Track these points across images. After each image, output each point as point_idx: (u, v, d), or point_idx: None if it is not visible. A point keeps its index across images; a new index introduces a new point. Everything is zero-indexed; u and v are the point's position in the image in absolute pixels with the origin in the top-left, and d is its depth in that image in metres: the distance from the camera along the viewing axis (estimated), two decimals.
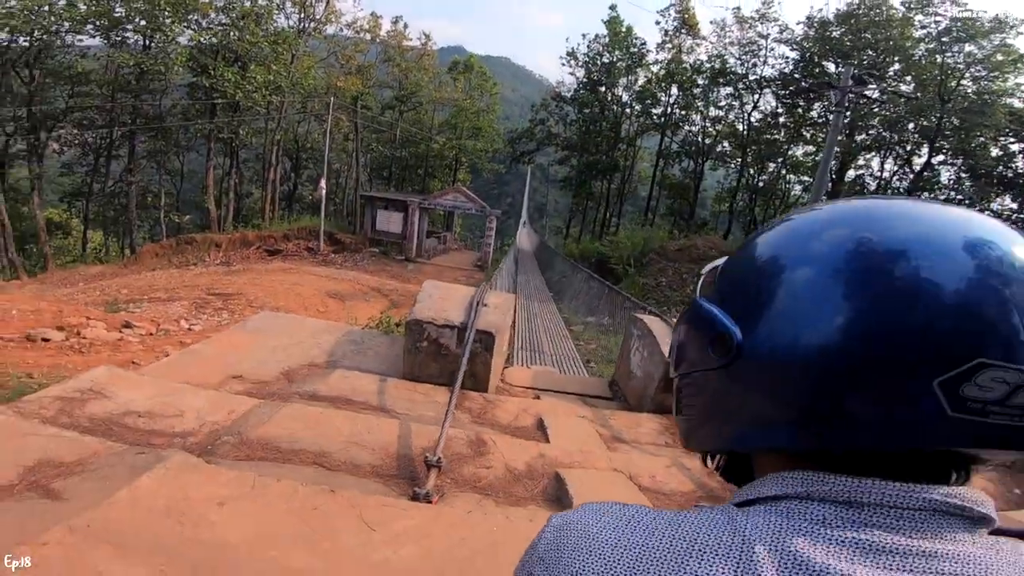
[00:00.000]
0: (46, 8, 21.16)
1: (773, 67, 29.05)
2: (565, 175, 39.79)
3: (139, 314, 11.84)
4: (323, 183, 24.14)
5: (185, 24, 24.24)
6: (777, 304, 0.44)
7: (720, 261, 0.59)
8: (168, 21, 23.11)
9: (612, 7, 34.88)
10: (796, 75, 27.09)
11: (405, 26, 35.73)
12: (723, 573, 0.37)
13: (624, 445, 3.72)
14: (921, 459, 0.41)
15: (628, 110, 35.91)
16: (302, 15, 29.03)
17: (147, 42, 23.68)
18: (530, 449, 3.26)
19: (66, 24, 22.17)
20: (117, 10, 22.36)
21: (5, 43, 21.61)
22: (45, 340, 7.48)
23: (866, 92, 18.88)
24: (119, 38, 23.67)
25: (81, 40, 24.19)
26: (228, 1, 25.10)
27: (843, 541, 0.38)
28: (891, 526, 0.39)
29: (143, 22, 22.93)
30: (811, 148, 27.94)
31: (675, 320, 4.87)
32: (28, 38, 21.86)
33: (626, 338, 5.28)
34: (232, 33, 24.62)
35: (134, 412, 3.05)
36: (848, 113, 19.52)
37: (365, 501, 2.33)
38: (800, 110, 27.85)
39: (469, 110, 36.93)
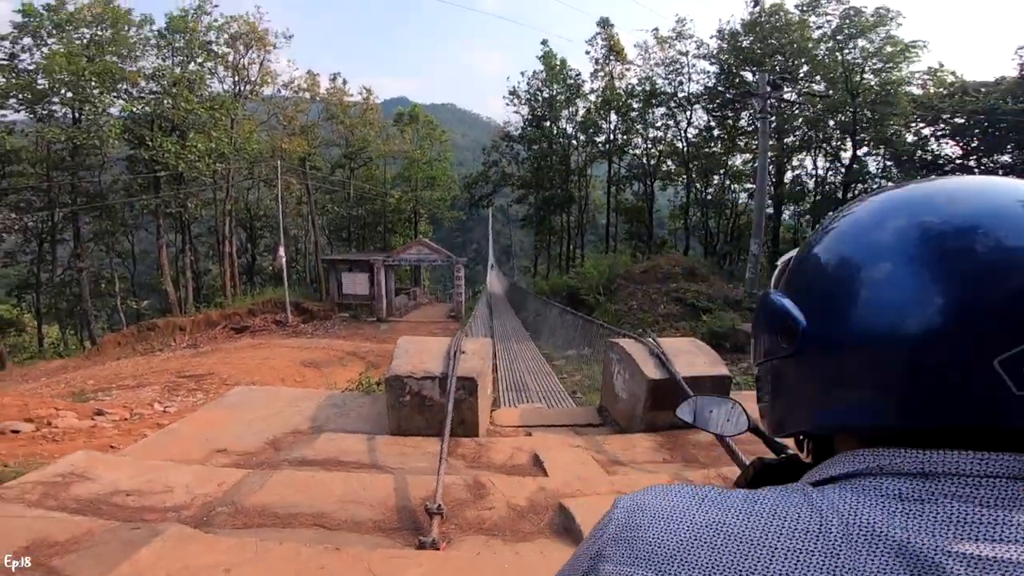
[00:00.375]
0: None
1: (698, 83, 30.75)
2: (525, 213, 40.39)
3: (110, 401, 11.38)
4: (281, 251, 23.92)
5: (115, 94, 23.96)
6: (844, 292, 0.45)
7: (791, 254, 0.62)
8: (96, 92, 22.70)
9: (543, 42, 36.96)
10: (720, 87, 28.70)
11: (344, 82, 36.11)
12: (803, 549, 0.37)
13: (622, 467, 3.75)
14: (997, 437, 0.40)
15: (574, 141, 36.99)
16: (236, 78, 29.14)
17: (76, 115, 23.14)
18: (529, 485, 3.25)
19: None
20: (40, 82, 21.89)
21: None
22: (15, 432, 7.32)
23: (784, 96, 20.12)
24: (46, 112, 23.04)
25: (5, 115, 23.29)
26: (157, 69, 24.97)
27: (920, 514, 0.37)
28: (968, 496, 0.37)
29: (69, 94, 22.39)
30: (748, 156, 29.35)
31: (648, 338, 4.96)
32: None
33: (607, 363, 5.37)
34: (166, 101, 24.32)
35: (121, 491, 2.98)
36: (773, 118, 20.80)
37: (371, 555, 2.30)
38: (730, 121, 29.34)
39: (421, 160, 37.26)
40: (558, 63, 36.05)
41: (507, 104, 37.79)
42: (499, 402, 7.44)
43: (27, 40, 22.55)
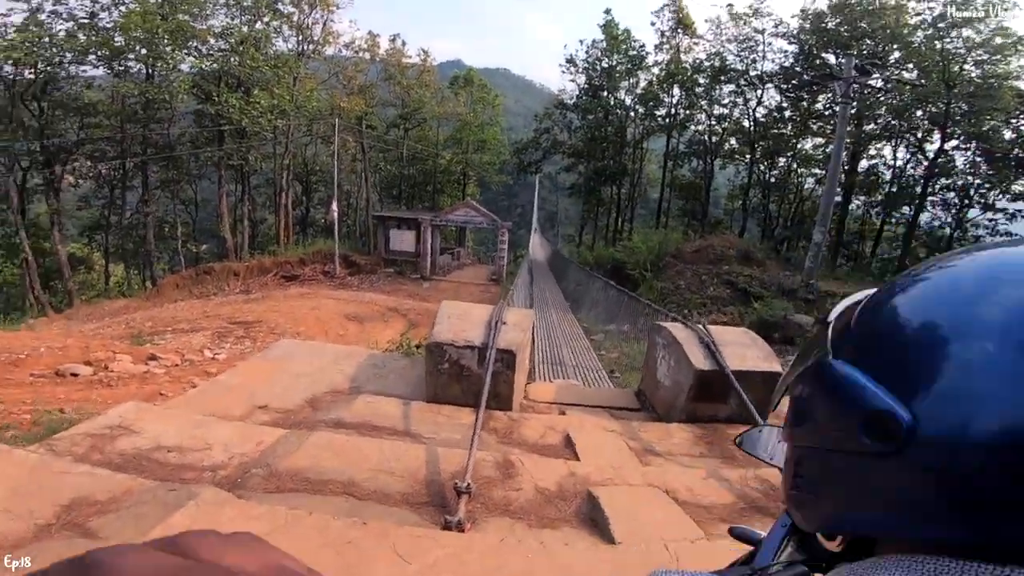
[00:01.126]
0: (47, 40, 21.52)
1: (773, 62, 28.61)
2: (573, 182, 39.65)
3: (164, 346, 12.02)
4: (335, 205, 24.38)
5: (186, 51, 24.53)
6: (955, 382, 0.37)
7: (853, 300, 0.50)
8: (168, 49, 23.36)
9: (607, 10, 34.65)
10: (797, 68, 26.68)
11: (403, 43, 35.76)
12: None
13: (657, 458, 3.63)
14: None
15: (632, 113, 35.53)
16: (300, 38, 29.24)
17: (150, 71, 23.91)
18: (559, 468, 3.19)
19: (68, 55, 22.55)
20: (117, 39, 22.63)
21: (11, 76, 22.00)
22: (74, 375, 7.64)
23: (870, 81, 18.43)
24: (122, 68, 23.95)
25: (85, 71, 24.46)
26: (226, 27, 25.38)
27: None
28: None
29: (143, 51, 23.17)
30: (820, 140, 27.45)
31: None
32: (32, 70, 22.23)
33: (650, 347, 5.18)
34: (232, 59, 24.84)
35: (163, 447, 3.08)
36: (854, 103, 19.10)
37: (397, 532, 2.30)
38: (805, 103, 27.36)
39: (473, 124, 36.86)
40: (621, 33, 34.33)
41: (563, 72, 36.90)
42: (534, 374, 7.40)
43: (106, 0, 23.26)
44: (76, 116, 24.63)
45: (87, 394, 6.87)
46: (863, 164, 26.55)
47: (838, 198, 22.00)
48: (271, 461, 3.04)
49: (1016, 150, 21.24)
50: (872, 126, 25.09)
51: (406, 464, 3.20)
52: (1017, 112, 20.48)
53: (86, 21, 22.89)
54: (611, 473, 3.19)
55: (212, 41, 25.25)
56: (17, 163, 23.70)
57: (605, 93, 35.56)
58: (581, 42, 35.79)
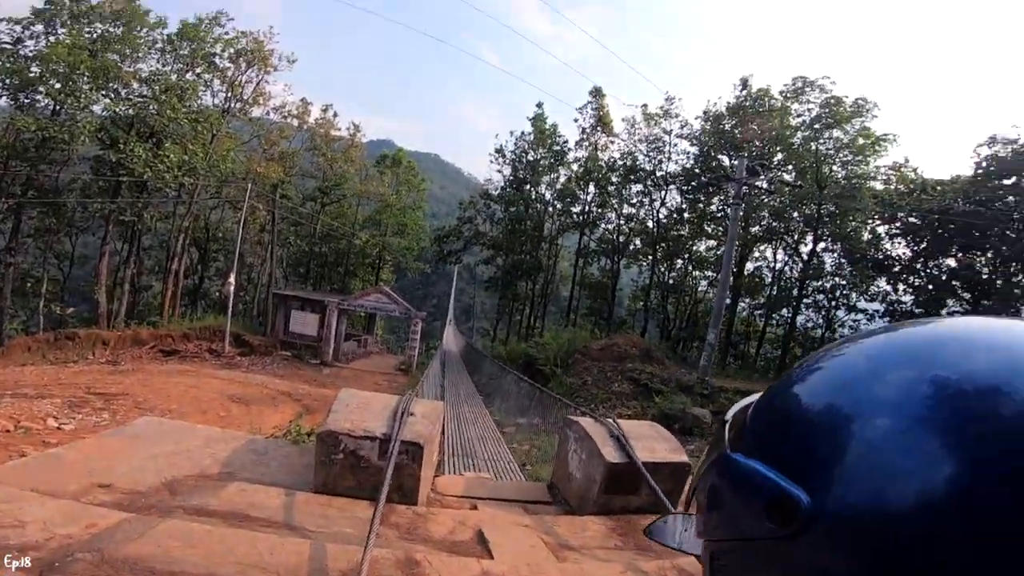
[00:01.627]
0: None
1: (676, 162, 31.55)
2: (491, 276, 40.32)
3: None
4: (232, 278, 22.77)
5: (103, 92, 23.15)
6: (851, 460, 0.38)
7: (747, 401, 0.51)
8: (86, 87, 21.99)
9: (539, 104, 37.23)
10: (696, 170, 29.42)
11: (335, 115, 35.63)
12: None
13: (573, 552, 3.34)
14: None
15: (550, 208, 37.31)
16: (229, 94, 28.49)
17: (57, 108, 22.20)
18: (471, 567, 2.77)
19: None
20: (33, 69, 21.09)
21: None
22: None
23: (757, 183, 20.44)
24: (27, 100, 22.16)
25: None
26: (154, 73, 24.37)
27: None
28: None
29: (57, 84, 21.62)
30: (712, 243, 30.02)
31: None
32: None
33: (562, 441, 5.05)
34: (151, 106, 23.61)
35: None
36: (743, 205, 21.07)
37: None
38: (701, 205, 29.96)
39: (395, 206, 36.84)
40: (548, 128, 36.58)
41: (491, 162, 38.06)
42: (443, 467, 6.85)
43: (38, 27, 22.02)
44: None
45: None
46: (749, 266, 29.21)
47: (728, 300, 23.71)
48: (105, 546, 2.40)
49: (872, 251, 23.72)
50: (757, 228, 27.84)
51: (284, 559, 2.64)
52: (873, 213, 22.94)
53: (8, 46, 21.42)
54: (527, 572, 2.84)
55: (136, 85, 24.09)
56: None
57: (528, 186, 37.17)
58: (511, 133, 38.31)
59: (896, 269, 23.34)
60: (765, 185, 23.18)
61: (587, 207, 35.22)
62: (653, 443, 4.33)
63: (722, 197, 27.17)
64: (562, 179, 36.51)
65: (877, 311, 24.09)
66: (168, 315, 25.68)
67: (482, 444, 9.31)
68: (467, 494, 4.61)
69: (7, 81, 21.41)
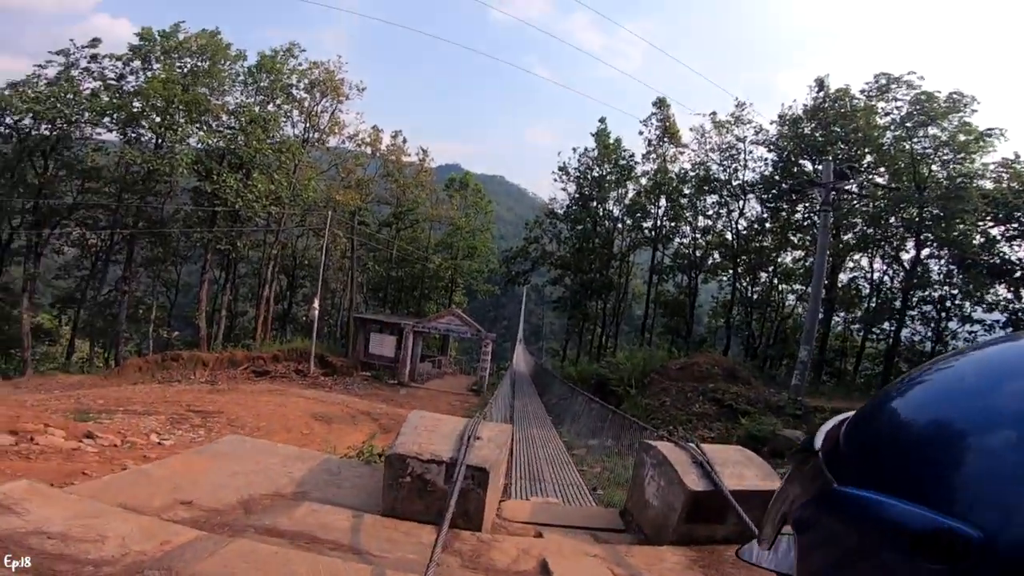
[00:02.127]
0: (71, 96, 21.66)
1: (754, 170, 29.43)
2: (560, 295, 39.69)
3: (107, 425, 11.04)
4: (316, 303, 24.01)
5: (196, 125, 24.66)
6: (1011, 482, 0.34)
7: (830, 426, 0.47)
8: (182, 120, 23.58)
9: (601, 119, 36.21)
10: (776, 177, 27.32)
11: (404, 140, 36.30)
12: None
13: None
14: None
15: (619, 225, 36.05)
16: (307, 124, 29.70)
17: (159, 141, 23.88)
18: None
19: (86, 114, 22.68)
20: (135, 104, 22.93)
21: (27, 130, 21.97)
22: None
23: (846, 187, 18.22)
24: (134, 135, 24.03)
25: (100, 133, 24.39)
26: (239, 105, 25.85)
27: None
28: None
29: (157, 118, 23.26)
30: (799, 253, 27.84)
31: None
32: (49, 126, 22.13)
33: (638, 466, 4.73)
34: (239, 138, 24.89)
35: (44, 532, 2.56)
36: (831, 212, 18.62)
37: None
38: (784, 213, 27.73)
39: (465, 229, 37.16)
40: (612, 142, 35.59)
41: (555, 180, 37.49)
42: (509, 491, 6.66)
43: (136, 63, 24.04)
44: (78, 179, 24.42)
45: None
46: (842, 277, 26.51)
47: (821, 315, 21.45)
48: (174, 565, 2.47)
49: (985, 255, 20.85)
50: (849, 236, 25.28)
51: None
52: (984, 213, 20.27)
53: (113, 83, 23.46)
54: None
55: (224, 117, 25.59)
56: (8, 221, 23.15)
57: (595, 203, 36.11)
58: (574, 150, 37.19)
59: (1017, 274, 20.28)
60: (856, 189, 21.05)
61: (659, 221, 33.89)
62: (742, 469, 4.00)
63: (807, 204, 25.30)
64: (630, 194, 35.38)
65: (997, 321, 20.89)
66: (260, 338, 27.49)
67: (551, 467, 9.04)
68: (533, 520, 4.42)
69: (115, 116, 23.31)
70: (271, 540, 3.36)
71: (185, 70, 24.54)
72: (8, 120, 21.98)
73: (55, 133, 22.78)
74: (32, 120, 21.87)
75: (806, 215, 26.44)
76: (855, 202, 23.22)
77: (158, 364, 22.26)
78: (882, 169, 24.58)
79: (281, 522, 3.61)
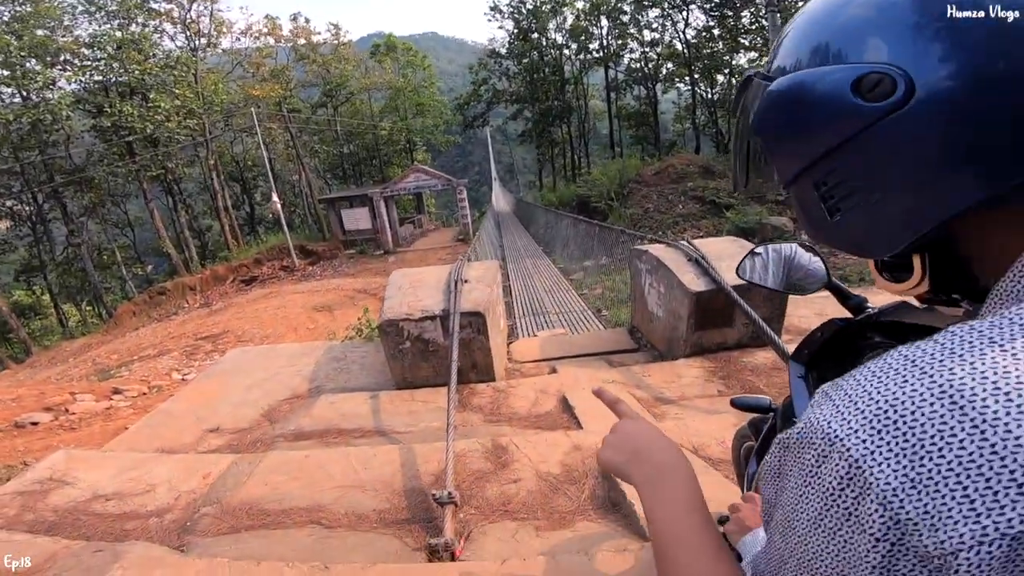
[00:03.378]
0: None
1: None
2: (523, 128, 38.72)
3: (128, 376, 11.29)
4: (275, 196, 22.94)
5: (58, 68, 22.36)
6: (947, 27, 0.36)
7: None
8: (36, 67, 21.32)
9: None
10: None
11: (307, 20, 34.07)
12: None
13: (671, 406, 3.12)
14: None
15: (565, 51, 35.18)
16: (188, 33, 27.03)
17: (23, 93, 21.78)
18: (561, 443, 2.67)
19: None
20: None
21: None
22: (34, 424, 7.36)
23: None
24: None
25: None
26: (93, 35, 23.07)
27: None
28: None
29: (5, 72, 21.01)
30: (753, 55, 27.17)
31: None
32: None
33: (634, 275, 4.62)
34: (114, 65, 22.78)
35: (101, 496, 2.67)
36: (779, 14, 18.46)
37: (368, 574, 1.78)
38: (731, 21, 26.95)
39: (406, 89, 35.66)
40: None
41: (489, 20, 35.12)
42: (516, 331, 6.84)
43: None
44: None
45: (50, 441, 6.37)
46: None
47: None
48: (222, 495, 2.58)
49: None
50: None
51: (377, 472, 2.67)
52: None
53: None
54: None
55: (87, 52, 22.93)
56: None
57: (535, 35, 34.93)
58: None
59: None
60: None
61: (604, 41, 32.99)
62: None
63: (752, 10, 24.93)
64: (569, 20, 34.15)
65: None
66: (234, 247, 26.90)
67: (550, 296, 9.08)
68: (544, 356, 4.50)
69: None
70: (300, 445, 3.43)
71: (6, 19, 21.22)
72: None
73: None
74: None
75: (753, 19, 25.87)
76: (799, 4, 21.71)
77: (148, 302, 22.01)
78: None
79: (304, 423, 3.68)
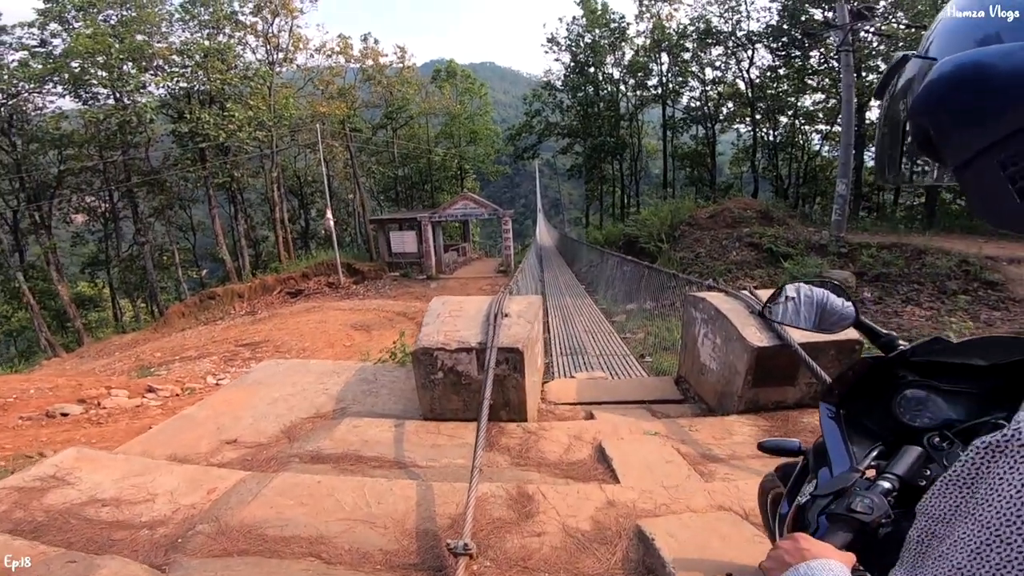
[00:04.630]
0: None
1: (757, 20, 28.61)
2: (572, 163, 38.62)
3: (165, 376, 11.58)
4: (329, 214, 23.70)
5: (150, 72, 23.84)
6: None
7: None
8: (132, 71, 22.73)
9: None
10: (784, 25, 25.43)
11: (376, 41, 35.68)
12: None
13: (719, 465, 2.79)
14: None
15: (622, 86, 34.78)
16: (268, 47, 28.42)
17: (117, 95, 23.24)
18: (593, 496, 2.39)
19: (24, 84, 21.98)
20: (73, 65, 21.90)
21: None
22: (64, 415, 7.45)
23: (865, 29, 17.22)
24: (89, 95, 23.38)
25: (53, 101, 23.99)
26: (184, 43, 24.57)
27: None
28: None
29: (103, 74, 22.43)
30: (819, 96, 26.51)
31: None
32: None
33: (687, 324, 4.31)
34: (199, 74, 24.11)
35: (99, 500, 2.59)
36: (852, 54, 17.89)
37: None
38: (799, 60, 26.18)
39: (461, 116, 36.29)
40: (599, 7, 33.50)
41: (546, 52, 35.63)
42: (552, 370, 6.54)
43: (54, 25, 22.59)
44: (54, 149, 24.03)
45: (73, 434, 6.44)
46: (870, 116, 24.76)
47: (854, 150, 20.77)
48: (222, 513, 2.41)
49: None
50: (872, 77, 23.37)
51: (390, 508, 2.46)
52: None
53: (40, 50, 22.35)
54: (664, 496, 2.37)
55: (176, 59, 24.44)
56: (4, 201, 23.26)
57: (592, 69, 34.73)
58: (560, 19, 35.72)
59: None
60: (869, 37, 19.92)
61: (664, 78, 32.46)
62: None
63: (822, 51, 24.18)
64: (628, 55, 33.89)
65: None
66: (285, 259, 27.79)
67: (590, 337, 8.60)
68: (582, 400, 4.22)
69: (56, 80, 22.35)
70: (315, 468, 3.26)
71: (112, 22, 22.98)
72: None
73: (2, 111, 22.18)
74: None
75: (822, 60, 25.09)
76: (875, 45, 21.75)
77: (198, 305, 22.83)
78: (900, 14, 22.19)
79: (324, 445, 3.51)
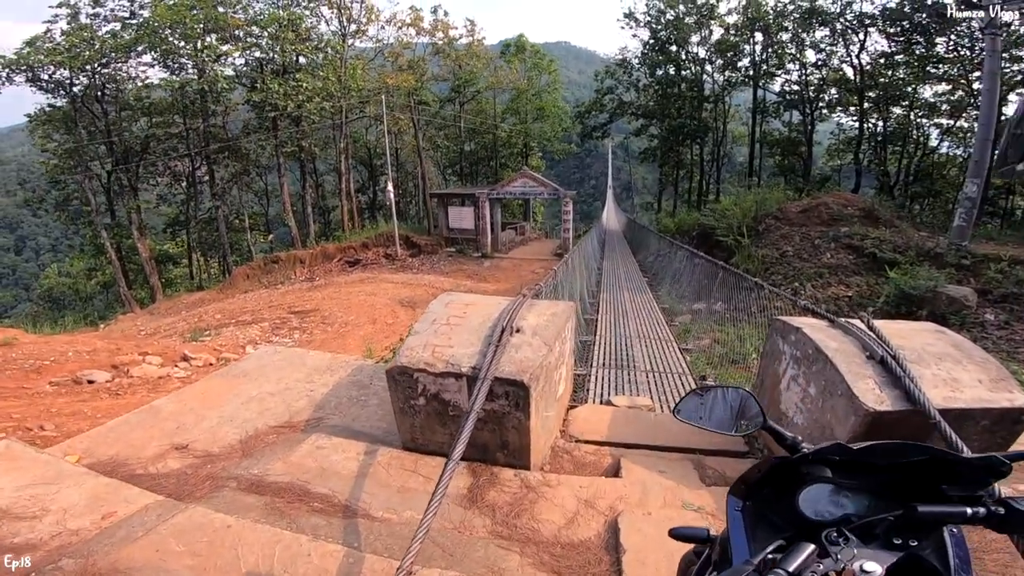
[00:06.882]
0: (90, 41, 21.82)
1: (872, 3, 24.49)
2: (647, 146, 36.26)
3: (208, 343, 11.56)
4: (390, 186, 23.44)
5: (229, 44, 24.31)
6: None
7: None
8: (213, 40, 23.28)
9: None
10: (906, 8, 21.89)
11: (446, 14, 35.44)
12: None
13: None
14: None
15: (708, 66, 31.86)
16: (340, 18, 28.26)
17: (198, 65, 23.83)
18: None
19: (114, 54, 22.78)
20: (165, 33, 22.59)
21: (67, 80, 22.53)
22: (90, 382, 7.13)
23: (1015, 8, 14.13)
24: (176, 65, 24.17)
25: (144, 71, 24.90)
26: (258, 14, 24.81)
27: None
28: None
29: (183, 44, 23.06)
30: (944, 87, 22.76)
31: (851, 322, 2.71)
32: (86, 74, 22.66)
33: (769, 356, 3.17)
34: (275, 45, 24.34)
35: None
36: (999, 38, 14.56)
37: None
38: (920, 48, 22.55)
39: (529, 91, 35.07)
40: None
41: (622, 28, 33.16)
42: (588, 384, 5.48)
43: None
44: (144, 116, 25.20)
45: (81, 407, 6.15)
46: (1007, 111, 21.23)
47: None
48: (98, 548, 1.97)
49: None
50: (1014, 68, 19.71)
51: None
52: None
53: (131, 21, 23.20)
54: None
55: (255, 29, 24.68)
56: (99, 164, 24.67)
57: (674, 47, 32.02)
58: None
59: None
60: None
61: (757, 59, 29.15)
62: (951, 368, 2.32)
63: (949, 37, 20.90)
64: (716, 34, 30.82)
65: None
66: (348, 229, 28.03)
67: (643, 345, 7.29)
68: (612, 438, 3.23)
69: (142, 48, 23.03)
70: (244, 500, 2.54)
71: None
72: (43, 76, 22.25)
73: (96, 80, 23.09)
74: (68, 72, 22.05)
75: (951, 47, 21.46)
76: (1017, 34, 18.37)
77: (262, 268, 23.41)
78: None
79: (273, 469, 2.79)
